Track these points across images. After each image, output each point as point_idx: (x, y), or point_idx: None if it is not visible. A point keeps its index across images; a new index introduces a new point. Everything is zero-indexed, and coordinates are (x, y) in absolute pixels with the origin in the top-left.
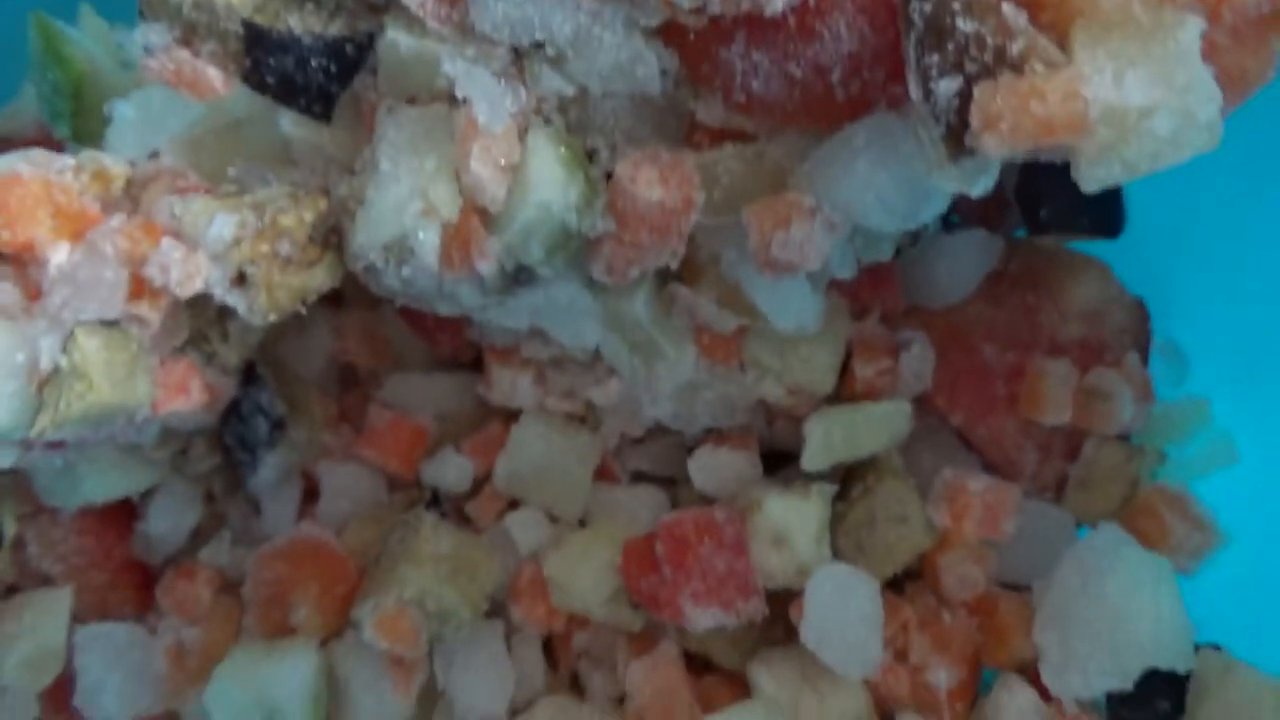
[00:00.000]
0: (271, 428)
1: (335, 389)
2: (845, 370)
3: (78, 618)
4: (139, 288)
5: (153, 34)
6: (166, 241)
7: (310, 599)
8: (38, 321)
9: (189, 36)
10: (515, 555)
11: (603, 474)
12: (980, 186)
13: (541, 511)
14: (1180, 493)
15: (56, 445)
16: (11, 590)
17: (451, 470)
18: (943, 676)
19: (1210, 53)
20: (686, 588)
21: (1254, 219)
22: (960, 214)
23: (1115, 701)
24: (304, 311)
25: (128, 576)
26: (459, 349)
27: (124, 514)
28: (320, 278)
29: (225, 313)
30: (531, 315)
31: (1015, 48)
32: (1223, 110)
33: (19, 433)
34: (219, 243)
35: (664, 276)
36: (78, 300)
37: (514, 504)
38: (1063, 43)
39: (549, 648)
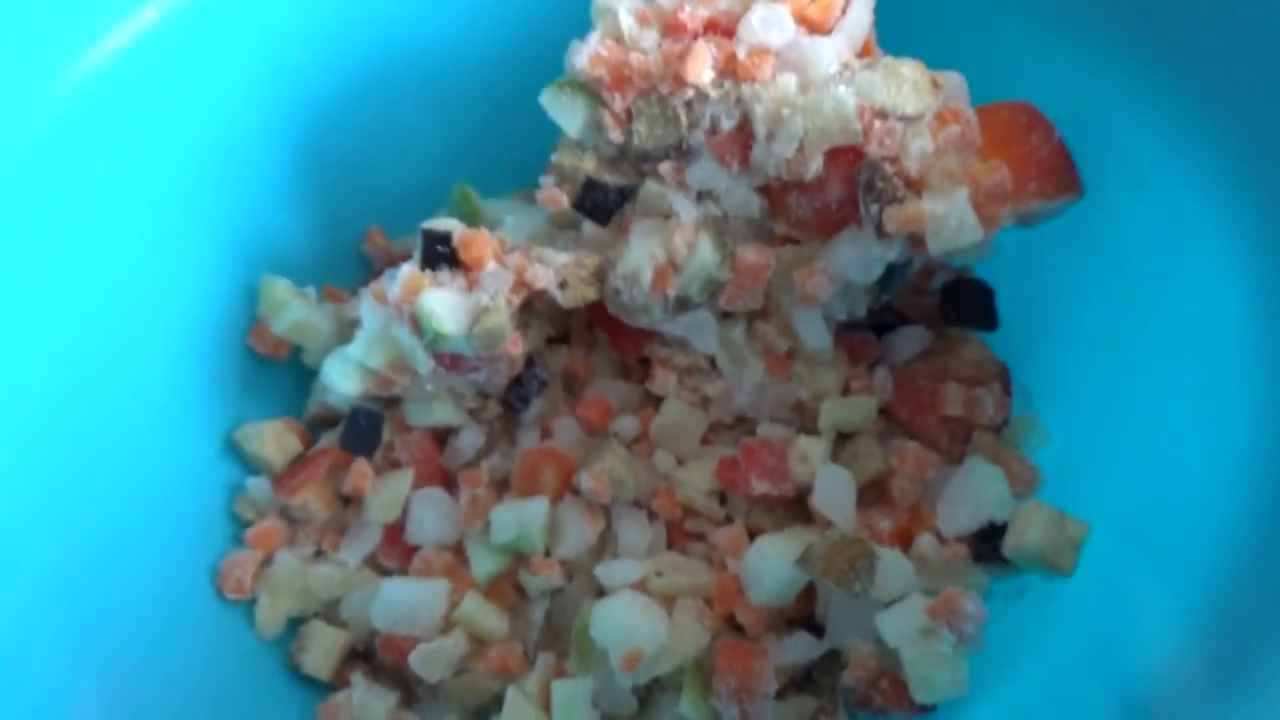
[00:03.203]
0: (539, 386)
1: (563, 388)
2: (844, 391)
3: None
4: (518, 285)
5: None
6: (536, 265)
7: (550, 471)
8: (478, 292)
9: (560, 181)
10: (656, 474)
11: (706, 441)
12: (892, 255)
13: (673, 455)
14: (1021, 455)
15: (454, 363)
16: (379, 472)
17: (627, 425)
18: (886, 525)
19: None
20: (752, 471)
21: (1083, 321)
22: (913, 318)
23: (975, 540)
24: (584, 304)
25: (440, 474)
26: (638, 360)
27: (441, 439)
28: (593, 292)
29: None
30: (685, 329)
31: (901, 194)
32: (985, 230)
33: (463, 337)
34: (556, 265)
35: (751, 317)
36: (493, 284)
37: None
38: (919, 192)
39: (669, 538)
